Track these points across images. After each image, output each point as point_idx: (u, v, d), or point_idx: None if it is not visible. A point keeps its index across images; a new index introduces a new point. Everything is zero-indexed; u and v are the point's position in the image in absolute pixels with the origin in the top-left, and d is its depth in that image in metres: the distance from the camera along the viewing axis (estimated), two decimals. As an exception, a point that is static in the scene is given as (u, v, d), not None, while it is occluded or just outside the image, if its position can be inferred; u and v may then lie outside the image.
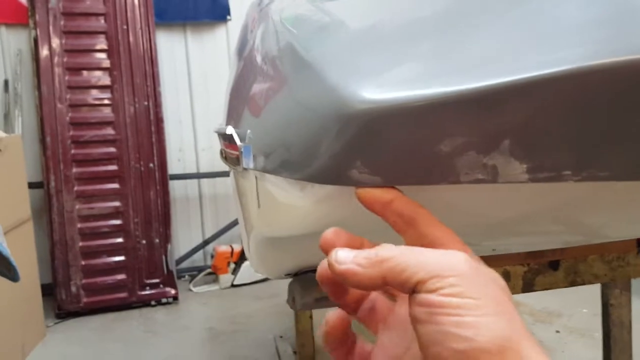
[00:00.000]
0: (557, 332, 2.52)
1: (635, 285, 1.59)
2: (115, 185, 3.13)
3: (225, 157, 0.72)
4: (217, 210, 3.68)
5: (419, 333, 0.31)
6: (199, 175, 3.64)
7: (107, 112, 3.13)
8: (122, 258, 3.13)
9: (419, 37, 0.43)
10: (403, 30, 0.45)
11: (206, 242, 3.61)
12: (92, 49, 3.13)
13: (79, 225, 3.06)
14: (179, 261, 3.50)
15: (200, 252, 3.64)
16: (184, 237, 3.60)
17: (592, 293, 1.73)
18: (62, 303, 3.01)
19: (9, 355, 2.34)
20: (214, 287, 3.38)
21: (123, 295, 3.10)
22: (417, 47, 0.41)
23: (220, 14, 3.55)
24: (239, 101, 0.75)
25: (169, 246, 3.21)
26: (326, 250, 0.35)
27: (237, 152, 0.57)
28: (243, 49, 0.87)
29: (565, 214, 0.49)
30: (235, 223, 3.47)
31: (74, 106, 3.08)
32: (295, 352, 2.28)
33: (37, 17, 3.02)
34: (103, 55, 3.14)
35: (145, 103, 3.16)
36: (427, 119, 0.34)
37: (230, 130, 0.63)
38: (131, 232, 3.15)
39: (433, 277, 0.30)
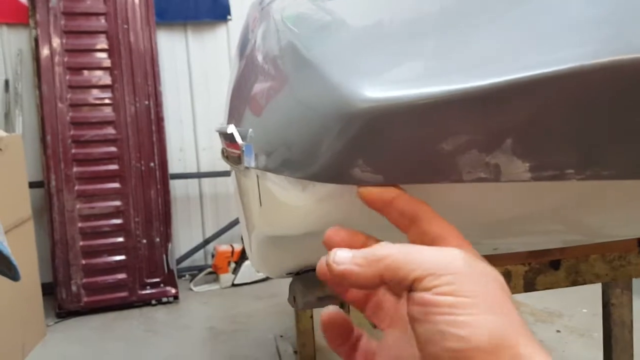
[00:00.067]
0: (558, 331, 2.52)
1: (637, 285, 1.59)
2: (116, 185, 3.13)
3: (226, 156, 0.72)
4: (217, 210, 3.68)
5: (416, 332, 0.31)
6: (199, 175, 3.64)
7: (107, 111, 3.13)
8: (122, 257, 3.13)
9: (420, 36, 0.43)
10: (404, 29, 0.45)
11: (207, 242, 3.61)
12: (93, 48, 3.13)
13: (79, 225, 3.06)
14: (180, 260, 3.50)
15: (201, 251, 3.64)
16: (185, 236, 3.60)
17: (592, 293, 1.73)
18: (62, 302, 3.01)
19: (9, 355, 2.34)
20: (214, 287, 3.38)
21: (123, 294, 3.10)
22: (418, 46, 0.41)
23: (220, 13, 3.56)
24: (241, 100, 0.75)
25: (169, 245, 3.21)
26: (330, 247, 0.35)
27: (238, 151, 0.57)
28: (244, 48, 0.87)
29: (567, 213, 0.49)
30: (235, 222, 3.47)
31: (74, 106, 3.08)
32: (295, 352, 2.28)
33: (37, 16, 3.02)
34: (104, 55, 3.14)
35: (146, 102, 3.16)
36: (429, 117, 0.34)
37: (231, 129, 0.63)
38: (132, 232, 3.15)
39: (429, 275, 0.30)
